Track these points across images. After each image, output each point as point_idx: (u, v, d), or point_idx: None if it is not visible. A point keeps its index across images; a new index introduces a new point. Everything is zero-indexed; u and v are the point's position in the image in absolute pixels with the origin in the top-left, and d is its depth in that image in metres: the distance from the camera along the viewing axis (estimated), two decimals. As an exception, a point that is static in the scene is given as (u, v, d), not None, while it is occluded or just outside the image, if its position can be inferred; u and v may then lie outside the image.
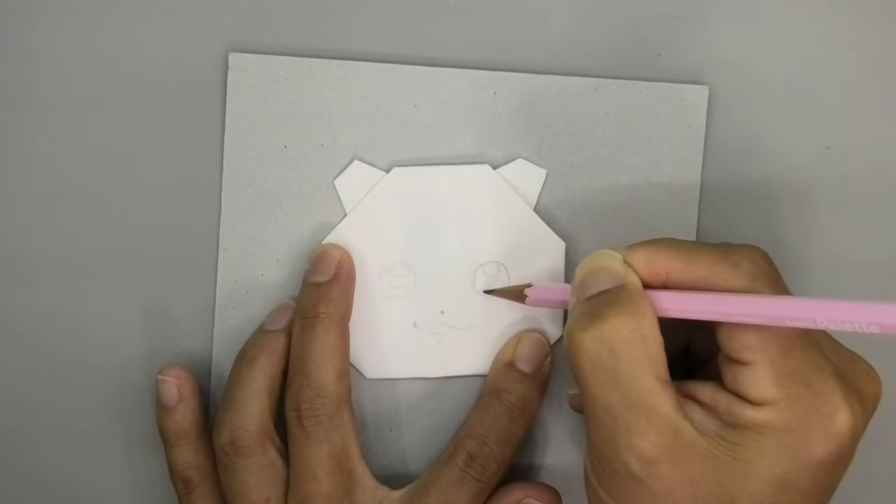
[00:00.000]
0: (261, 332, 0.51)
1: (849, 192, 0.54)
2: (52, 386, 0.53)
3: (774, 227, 0.54)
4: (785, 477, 0.39)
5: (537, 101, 0.53)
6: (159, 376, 0.51)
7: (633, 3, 0.53)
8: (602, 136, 0.53)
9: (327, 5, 0.53)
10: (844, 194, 0.54)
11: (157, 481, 0.54)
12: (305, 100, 0.52)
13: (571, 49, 0.53)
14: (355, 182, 0.52)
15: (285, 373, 0.50)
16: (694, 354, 0.47)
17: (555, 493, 0.50)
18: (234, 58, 0.52)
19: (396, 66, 0.52)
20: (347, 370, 0.50)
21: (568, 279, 0.52)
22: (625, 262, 0.43)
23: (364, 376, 0.53)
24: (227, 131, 0.52)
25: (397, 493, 0.50)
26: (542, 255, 0.52)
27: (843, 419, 0.38)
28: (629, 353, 0.40)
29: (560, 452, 0.53)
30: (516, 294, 0.50)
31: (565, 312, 0.52)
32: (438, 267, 0.52)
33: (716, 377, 0.41)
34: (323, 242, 0.52)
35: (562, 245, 0.52)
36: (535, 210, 0.53)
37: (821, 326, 0.37)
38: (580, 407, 0.43)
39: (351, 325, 0.51)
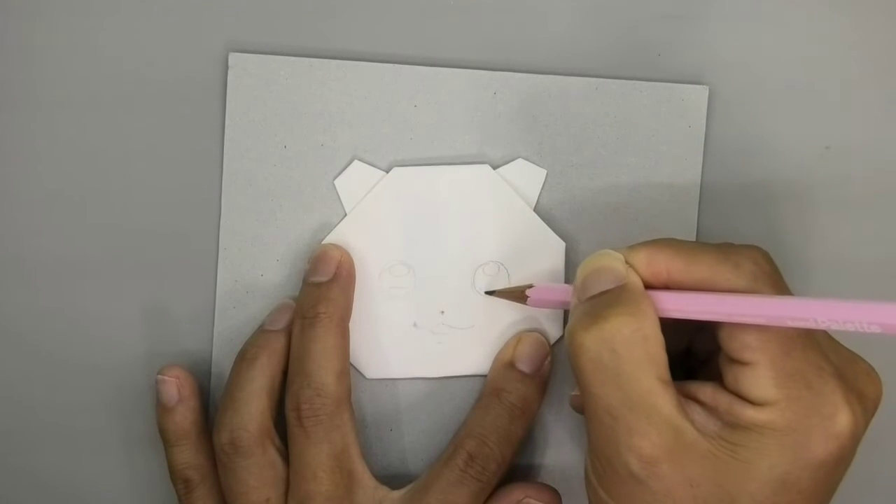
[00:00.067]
0: (261, 332, 0.51)
1: (849, 192, 0.54)
2: (52, 386, 0.53)
3: (774, 227, 0.54)
4: (785, 477, 0.39)
5: (537, 101, 0.53)
6: (159, 376, 0.51)
7: (633, 3, 0.53)
8: (602, 136, 0.53)
9: (327, 5, 0.53)
10: (844, 194, 0.54)
11: (157, 481, 0.54)
12: (305, 100, 0.52)
13: (571, 49, 0.53)
14: (355, 182, 0.52)
15: (285, 373, 0.50)
16: (695, 355, 0.47)
17: (555, 493, 0.50)
18: (234, 58, 0.52)
19: (396, 66, 0.52)
20: (347, 370, 0.50)
21: (568, 279, 0.52)
22: (626, 262, 0.43)
23: (364, 376, 0.53)
24: (227, 131, 0.52)
25: (397, 493, 0.50)
26: (542, 255, 0.52)
27: (843, 420, 0.38)
28: (630, 353, 0.40)
29: (560, 452, 0.53)
30: (517, 295, 0.50)
31: (566, 313, 0.52)
32: (438, 267, 0.52)
33: (717, 377, 0.41)
34: (323, 242, 0.52)
35: (562, 245, 0.52)
36: (535, 210, 0.53)
37: (822, 326, 0.37)
38: (582, 408, 0.43)
39: (351, 325, 0.51)
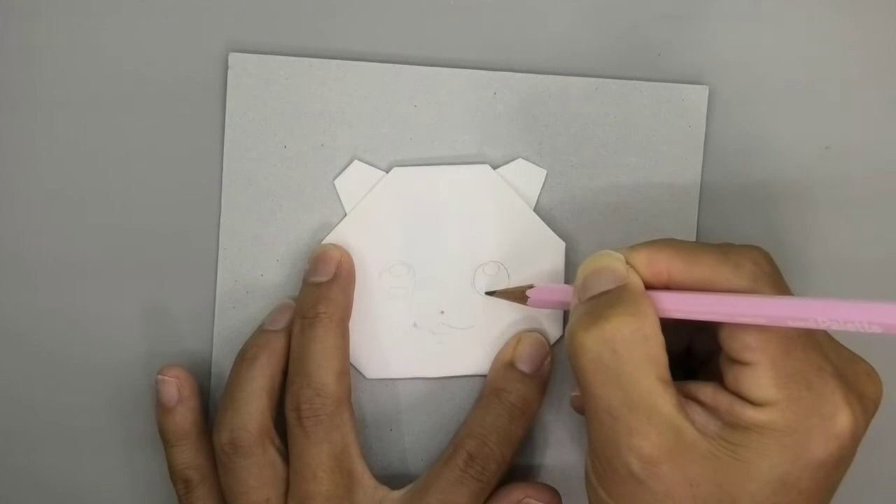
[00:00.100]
0: (261, 332, 0.51)
1: (849, 192, 0.54)
2: (52, 386, 0.53)
3: (774, 227, 0.54)
4: (785, 477, 0.39)
5: (537, 101, 0.53)
6: (159, 376, 0.51)
7: (633, 3, 0.53)
8: (602, 136, 0.53)
9: (327, 5, 0.53)
10: (844, 194, 0.54)
11: (157, 481, 0.54)
12: (305, 100, 0.52)
13: (571, 49, 0.53)
14: (355, 182, 0.52)
15: (285, 373, 0.50)
16: (695, 355, 0.47)
17: (555, 493, 0.50)
18: (234, 58, 0.52)
19: (396, 66, 0.52)
20: (347, 370, 0.50)
21: (568, 279, 0.52)
22: (626, 262, 0.43)
23: (364, 376, 0.53)
24: (227, 131, 0.52)
25: (397, 493, 0.50)
26: (542, 256, 0.52)
27: (843, 420, 0.38)
28: (631, 354, 0.40)
29: (560, 452, 0.53)
30: (518, 295, 0.50)
31: (566, 313, 0.52)
32: (438, 267, 0.52)
33: (717, 378, 0.41)
34: (323, 242, 0.52)
35: (562, 245, 0.52)
36: (535, 210, 0.53)
37: (823, 326, 0.37)
38: (582, 408, 0.43)
39: (351, 325, 0.51)
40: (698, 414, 0.40)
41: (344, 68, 0.52)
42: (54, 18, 0.52)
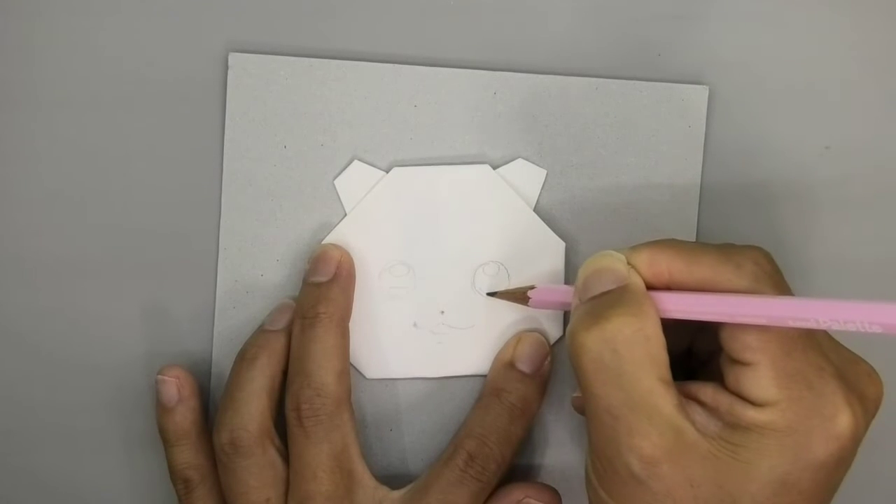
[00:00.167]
0: (261, 332, 0.51)
1: (849, 192, 0.54)
2: (52, 386, 0.53)
3: (774, 227, 0.54)
4: (786, 478, 0.39)
5: (537, 101, 0.53)
6: (159, 376, 0.51)
7: (633, 3, 0.53)
8: (602, 136, 0.53)
9: (327, 5, 0.53)
10: (844, 194, 0.54)
11: (157, 481, 0.54)
12: (305, 100, 0.52)
13: (571, 49, 0.53)
14: (355, 182, 0.52)
15: (285, 373, 0.50)
16: (696, 355, 0.47)
17: (555, 493, 0.50)
18: (234, 58, 0.52)
19: (396, 66, 0.52)
20: (347, 370, 0.50)
21: (568, 279, 0.52)
22: (627, 262, 0.43)
23: (364, 376, 0.53)
24: (227, 131, 0.52)
25: (397, 493, 0.50)
26: (542, 256, 0.52)
27: (844, 421, 0.38)
28: (632, 354, 0.40)
29: (560, 452, 0.53)
30: (519, 296, 0.50)
31: (566, 313, 0.52)
32: (438, 267, 0.52)
33: (718, 378, 0.41)
34: (323, 242, 0.52)
35: (562, 245, 0.52)
36: (535, 210, 0.53)
37: (823, 326, 0.37)
38: (583, 409, 0.43)
39: (351, 325, 0.51)
40: (699, 414, 0.40)
41: (344, 68, 0.52)
42: (54, 18, 0.52)
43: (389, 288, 0.52)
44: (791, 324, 0.38)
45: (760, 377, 0.39)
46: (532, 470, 0.54)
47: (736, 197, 0.53)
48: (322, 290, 0.50)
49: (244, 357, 0.50)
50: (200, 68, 0.53)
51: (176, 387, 0.50)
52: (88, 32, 0.52)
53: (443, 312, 0.52)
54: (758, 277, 0.40)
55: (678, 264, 0.42)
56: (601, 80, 0.53)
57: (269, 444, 0.49)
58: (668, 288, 0.42)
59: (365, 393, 0.53)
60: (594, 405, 0.41)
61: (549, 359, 0.52)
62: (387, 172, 0.52)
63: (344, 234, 0.52)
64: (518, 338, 0.52)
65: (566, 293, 0.47)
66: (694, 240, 0.53)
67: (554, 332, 0.53)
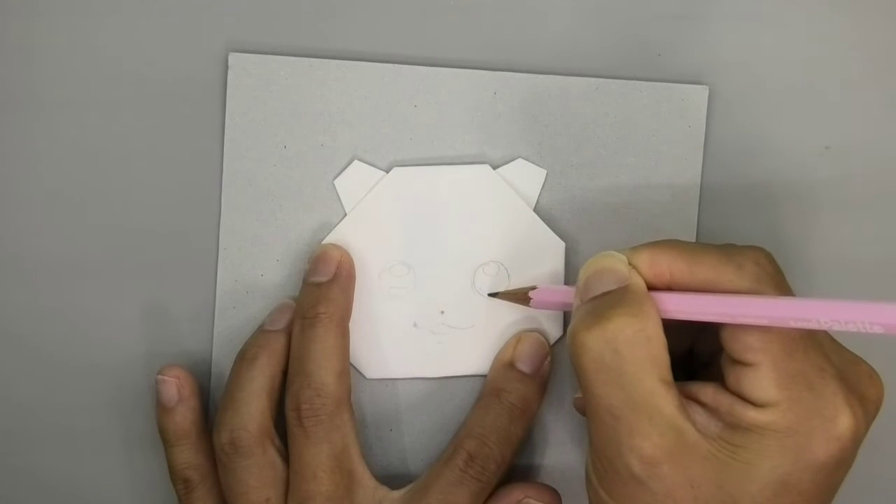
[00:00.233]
0: (261, 332, 0.51)
1: (849, 192, 0.54)
2: (52, 386, 0.53)
3: (775, 227, 0.54)
4: (786, 479, 0.39)
5: (537, 101, 0.53)
6: (159, 376, 0.51)
7: (633, 3, 0.53)
8: (602, 136, 0.53)
9: (327, 5, 0.53)
10: (845, 194, 0.54)
11: (157, 481, 0.54)
12: (305, 100, 0.52)
13: (571, 49, 0.53)
14: (355, 182, 0.52)
15: (285, 373, 0.50)
16: (697, 356, 0.47)
17: (555, 493, 0.50)
18: (234, 58, 0.52)
19: (396, 66, 0.52)
20: (347, 370, 0.50)
21: (568, 279, 0.52)
22: (629, 263, 0.43)
23: (364, 376, 0.53)
24: (227, 131, 0.52)
25: (397, 493, 0.50)
26: (542, 256, 0.52)
27: (844, 422, 0.39)
28: (633, 354, 0.40)
29: (560, 452, 0.53)
30: (520, 297, 0.50)
31: (566, 313, 0.52)
32: (438, 267, 0.52)
33: (718, 379, 0.41)
34: (323, 242, 0.52)
35: (562, 245, 0.52)
36: (535, 210, 0.53)
37: (825, 327, 0.37)
38: (584, 409, 0.43)
39: (351, 325, 0.51)
40: (699, 415, 0.40)
41: (344, 68, 0.52)
42: (54, 18, 0.52)
43: (389, 288, 0.52)
44: (792, 324, 0.38)
45: (761, 378, 0.39)
46: (532, 470, 0.54)
47: (736, 197, 0.53)
48: (322, 290, 0.50)
49: (244, 357, 0.50)
50: (200, 68, 0.53)
51: (176, 387, 0.50)
52: (88, 32, 0.52)
53: (443, 312, 0.52)
54: (759, 278, 0.40)
55: (679, 265, 0.42)
56: (601, 80, 0.53)
57: (269, 444, 0.49)
58: (670, 288, 0.42)
59: (365, 393, 0.53)
60: (595, 405, 0.41)
61: (548, 359, 0.52)
62: (387, 172, 0.52)
63: (344, 234, 0.52)
64: (518, 338, 0.52)
65: (567, 293, 0.47)
66: (694, 240, 0.53)
67: (554, 332, 0.53)
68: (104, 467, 0.54)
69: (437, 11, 0.53)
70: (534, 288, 0.49)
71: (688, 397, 0.41)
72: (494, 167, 0.52)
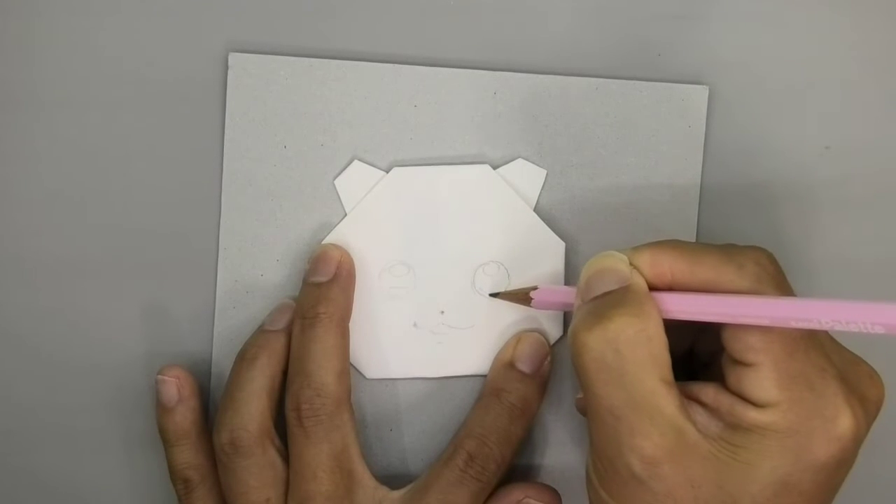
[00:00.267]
0: (261, 332, 0.51)
1: (849, 192, 0.54)
2: (52, 386, 0.53)
3: (775, 227, 0.54)
4: (787, 479, 0.39)
5: (537, 101, 0.53)
6: (159, 376, 0.51)
7: (633, 3, 0.53)
8: (602, 136, 0.53)
9: (327, 5, 0.53)
10: (845, 194, 0.54)
11: (157, 481, 0.54)
12: (305, 100, 0.52)
13: (571, 49, 0.53)
14: (355, 182, 0.52)
15: (285, 373, 0.50)
16: (698, 356, 0.47)
17: (555, 493, 0.50)
18: (234, 58, 0.52)
19: (396, 66, 0.52)
20: (347, 370, 0.50)
21: (568, 279, 0.52)
22: (630, 263, 0.43)
23: (364, 376, 0.53)
24: (227, 131, 0.52)
25: (397, 493, 0.49)
26: (542, 256, 0.52)
27: (845, 422, 0.39)
28: (634, 354, 0.40)
29: (560, 452, 0.53)
30: (521, 297, 0.50)
31: (567, 314, 0.52)
32: (438, 267, 0.52)
33: (719, 379, 0.41)
34: (323, 242, 0.52)
35: (562, 245, 0.52)
36: (535, 210, 0.53)
37: (826, 327, 0.37)
38: (586, 410, 0.43)
39: (351, 325, 0.51)
40: (700, 415, 0.40)
41: (344, 68, 0.52)
42: (54, 18, 0.52)
43: (389, 288, 0.52)
44: (793, 324, 0.38)
45: (762, 378, 0.39)
46: (532, 470, 0.54)
47: (736, 197, 0.53)
48: (322, 290, 0.50)
49: (244, 357, 0.50)
50: (200, 68, 0.53)
51: (176, 387, 0.50)
52: (88, 32, 0.52)
53: (443, 312, 0.52)
54: (760, 278, 0.40)
55: (680, 265, 0.42)
56: (601, 80, 0.53)
57: (269, 444, 0.49)
58: (671, 288, 0.42)
59: (365, 393, 0.53)
60: (596, 405, 0.41)
61: (548, 359, 0.52)
62: (387, 172, 0.52)
63: (344, 234, 0.52)
64: (518, 338, 0.52)
65: (568, 294, 0.47)
66: (694, 240, 0.53)
67: (554, 332, 0.53)
68: (104, 467, 0.54)
69: (437, 11, 0.53)
70: (535, 288, 0.49)
71: (688, 397, 0.41)
72: (494, 167, 0.52)
